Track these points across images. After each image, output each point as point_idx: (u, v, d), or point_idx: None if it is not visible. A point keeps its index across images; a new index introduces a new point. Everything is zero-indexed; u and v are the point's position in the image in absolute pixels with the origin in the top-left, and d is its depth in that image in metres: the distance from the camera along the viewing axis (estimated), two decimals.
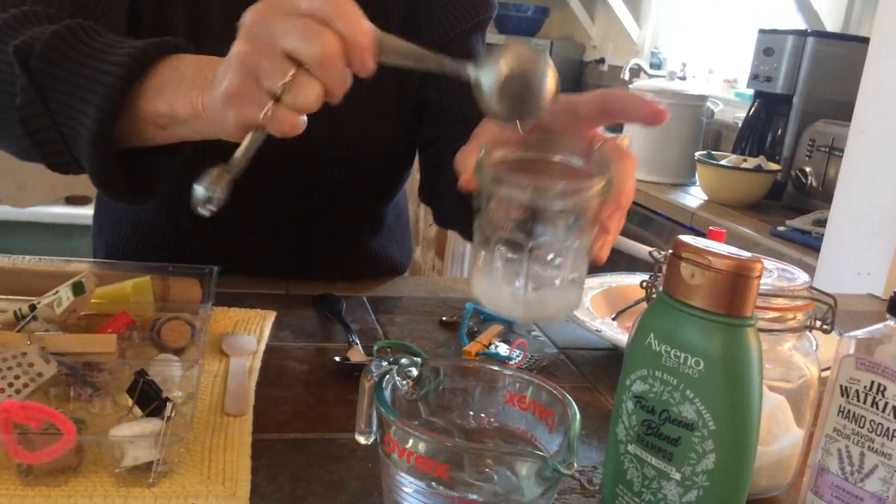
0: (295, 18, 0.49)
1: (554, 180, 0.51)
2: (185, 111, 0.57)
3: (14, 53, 0.63)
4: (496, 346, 0.81)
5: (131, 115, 0.60)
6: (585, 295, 0.90)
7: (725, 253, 0.46)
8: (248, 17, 0.50)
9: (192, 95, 0.57)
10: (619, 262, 2.01)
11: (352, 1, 0.50)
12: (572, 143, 0.56)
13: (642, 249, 1.92)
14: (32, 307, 0.64)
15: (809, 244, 1.48)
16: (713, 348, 0.46)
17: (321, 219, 1.00)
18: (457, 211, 0.83)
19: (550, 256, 0.53)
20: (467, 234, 0.87)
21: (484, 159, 0.53)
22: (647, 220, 1.95)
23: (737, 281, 0.46)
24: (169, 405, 0.55)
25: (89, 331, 0.67)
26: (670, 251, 0.49)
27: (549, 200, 0.51)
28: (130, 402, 0.57)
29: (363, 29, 0.50)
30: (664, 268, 0.51)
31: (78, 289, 0.64)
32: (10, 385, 0.56)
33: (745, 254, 0.47)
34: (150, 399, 0.56)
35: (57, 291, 0.66)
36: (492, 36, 3.71)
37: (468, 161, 0.56)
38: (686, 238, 0.49)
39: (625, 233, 2.04)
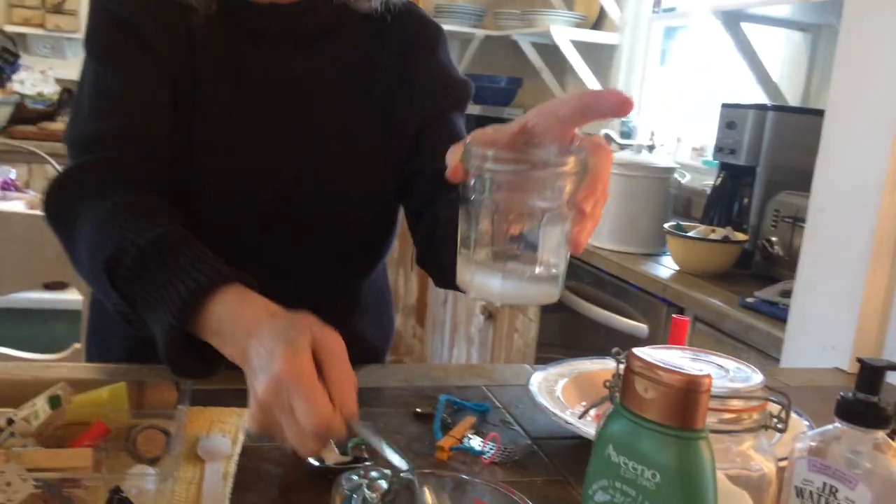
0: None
1: (532, 154, 0.57)
2: (231, 355, 0.71)
3: (104, 268, 0.78)
4: (469, 440, 0.83)
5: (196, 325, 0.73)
6: (556, 383, 0.92)
7: (676, 368, 0.49)
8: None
9: (235, 353, 0.70)
10: (598, 332, 2.04)
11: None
12: (555, 144, 0.61)
13: (621, 322, 1.95)
14: (10, 421, 0.65)
15: (777, 315, 1.52)
16: (668, 461, 0.48)
17: (298, 294, 1.01)
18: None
19: (532, 241, 0.57)
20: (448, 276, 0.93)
21: (470, 145, 0.57)
22: (622, 290, 1.98)
23: (687, 396, 0.48)
24: None
25: (65, 441, 0.68)
26: (624, 363, 0.52)
27: (528, 171, 0.55)
28: None
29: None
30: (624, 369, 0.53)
31: (55, 402, 0.65)
32: None
33: (699, 366, 0.50)
34: None
35: (34, 404, 0.67)
36: (468, 107, 3.79)
37: (456, 155, 0.60)
38: (640, 351, 0.51)
39: (600, 302, 2.07)
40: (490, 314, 2.77)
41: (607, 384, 0.68)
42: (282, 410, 0.62)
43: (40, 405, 0.66)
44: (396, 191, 1.04)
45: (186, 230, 0.81)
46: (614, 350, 0.69)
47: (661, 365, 0.49)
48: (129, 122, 0.91)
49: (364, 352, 1.10)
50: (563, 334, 2.35)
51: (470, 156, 0.57)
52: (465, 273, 0.59)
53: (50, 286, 1.81)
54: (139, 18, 0.93)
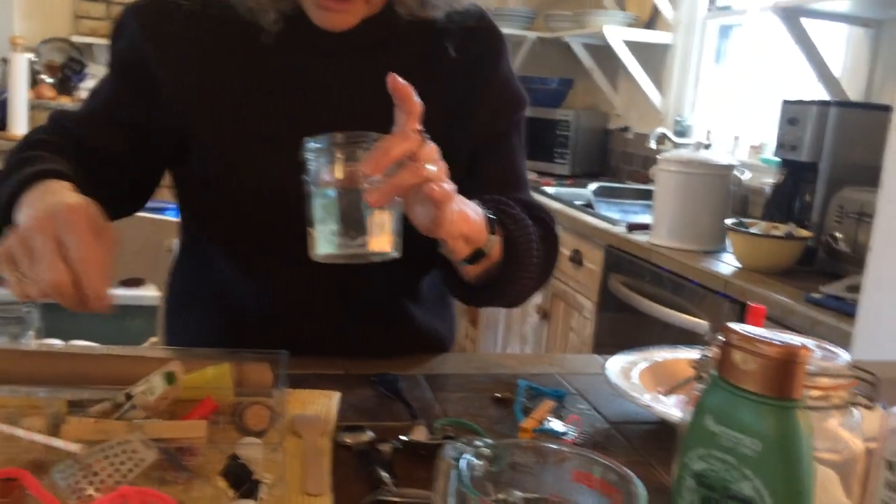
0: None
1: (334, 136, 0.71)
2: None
3: None
4: (550, 422, 0.86)
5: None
6: (632, 370, 0.95)
7: (774, 340, 0.51)
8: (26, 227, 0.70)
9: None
10: (654, 330, 2.04)
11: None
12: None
13: (682, 319, 1.95)
14: (128, 396, 0.70)
15: (845, 310, 1.51)
16: (767, 429, 0.50)
17: (360, 289, 1.04)
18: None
19: (336, 211, 0.71)
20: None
21: (307, 139, 0.72)
22: (680, 287, 1.99)
23: (785, 367, 0.50)
24: (260, 486, 0.60)
25: (176, 415, 0.73)
26: (721, 336, 0.54)
27: (328, 146, 0.71)
28: (224, 484, 0.62)
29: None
30: (714, 348, 0.56)
31: (170, 378, 0.70)
32: (117, 471, 0.61)
33: (792, 339, 0.52)
34: (242, 481, 0.61)
35: (149, 380, 0.71)
36: None
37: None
38: (736, 325, 0.53)
39: (659, 299, 2.07)
40: (545, 313, 2.79)
41: (694, 364, 0.70)
42: (21, 256, 0.68)
43: (156, 381, 0.71)
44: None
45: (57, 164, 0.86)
46: (704, 332, 0.71)
47: (760, 337, 0.51)
48: (95, 115, 0.98)
49: (428, 342, 1.12)
50: (618, 332, 2.35)
51: (302, 150, 0.72)
52: (309, 248, 0.74)
53: (126, 283, 1.89)
54: (151, 43, 0.96)
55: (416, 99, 0.75)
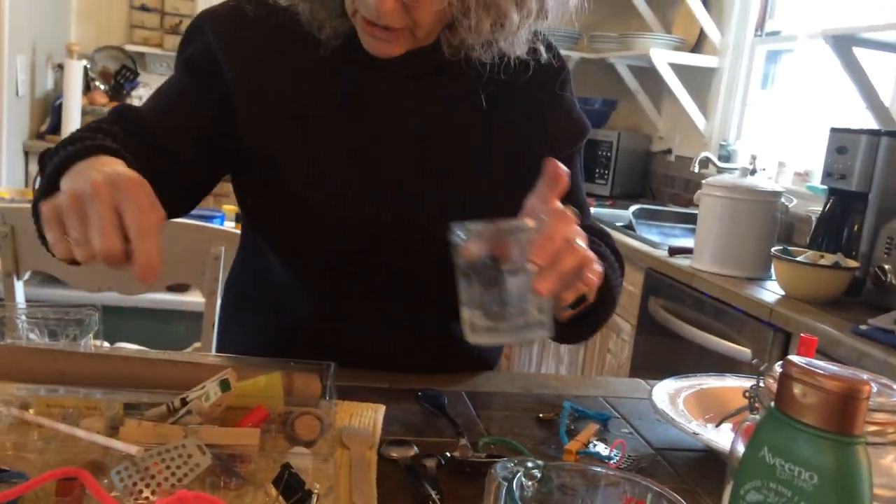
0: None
1: (499, 226, 0.71)
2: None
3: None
4: (595, 445, 0.85)
5: None
6: (678, 397, 0.94)
7: (836, 374, 0.50)
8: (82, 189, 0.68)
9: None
10: (692, 355, 2.02)
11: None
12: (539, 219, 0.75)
13: (723, 345, 1.93)
14: (184, 401, 0.72)
15: (892, 343, 1.49)
16: (826, 464, 0.50)
17: (412, 309, 1.05)
18: None
19: (505, 295, 0.71)
20: None
21: (454, 226, 0.72)
22: (722, 313, 1.97)
23: (847, 401, 0.50)
24: (313, 497, 0.61)
25: (228, 422, 0.74)
26: (780, 368, 0.54)
27: (492, 235, 0.71)
28: (275, 492, 0.63)
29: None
30: (766, 379, 0.55)
31: (225, 385, 0.71)
32: (173, 474, 0.62)
33: (854, 374, 0.51)
34: (294, 490, 0.62)
35: (204, 386, 0.73)
36: None
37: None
38: (795, 358, 0.53)
39: (700, 325, 2.05)
40: None
41: (747, 394, 0.69)
42: (74, 218, 0.67)
43: (210, 387, 0.72)
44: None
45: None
46: (754, 360, 0.71)
47: (821, 371, 0.51)
48: (159, 113, 0.97)
49: (475, 363, 1.13)
50: (656, 356, 2.33)
51: (456, 232, 0.72)
52: (465, 327, 0.73)
53: (173, 288, 1.92)
54: (224, 50, 0.97)
55: (567, 180, 0.77)
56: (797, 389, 0.51)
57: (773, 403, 0.54)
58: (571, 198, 1.06)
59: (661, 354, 2.29)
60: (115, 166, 0.75)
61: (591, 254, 0.75)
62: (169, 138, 0.96)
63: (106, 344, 1.65)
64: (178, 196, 1.02)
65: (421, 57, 0.97)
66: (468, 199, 1.01)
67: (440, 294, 1.06)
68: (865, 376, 0.66)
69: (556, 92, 1.05)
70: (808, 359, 0.54)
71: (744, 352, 1.84)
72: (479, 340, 0.73)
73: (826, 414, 0.50)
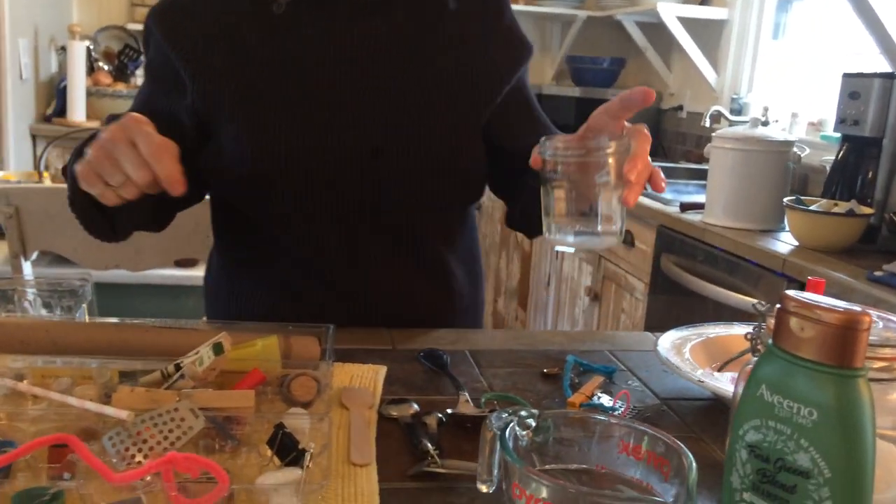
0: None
1: (586, 145, 0.78)
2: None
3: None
4: (599, 398, 0.84)
5: None
6: (684, 346, 0.92)
7: (834, 306, 0.49)
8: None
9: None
10: (707, 312, 2.00)
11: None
12: (611, 134, 0.83)
13: (736, 298, 1.91)
14: (178, 367, 0.71)
15: None
16: (826, 399, 0.48)
17: (395, 244, 1.07)
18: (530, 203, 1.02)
19: (594, 205, 0.78)
20: (533, 229, 1.09)
21: (544, 140, 0.79)
22: (736, 266, 1.94)
23: (847, 334, 0.48)
24: (306, 455, 0.60)
25: (224, 387, 0.74)
26: (778, 305, 0.52)
27: (585, 156, 0.78)
28: (270, 452, 0.62)
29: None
30: (768, 320, 0.53)
31: (218, 349, 0.71)
32: (166, 438, 0.62)
33: (853, 306, 0.50)
34: (288, 450, 0.61)
35: (198, 351, 0.72)
36: (569, 89, 3.78)
37: (534, 149, 0.82)
38: (793, 293, 0.51)
39: (713, 279, 2.03)
40: (595, 295, 2.76)
41: (748, 336, 0.68)
42: (107, 165, 0.76)
43: (204, 352, 0.71)
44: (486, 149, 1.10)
45: None
46: (756, 302, 0.69)
47: (819, 304, 0.49)
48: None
49: (456, 294, 1.14)
50: (671, 314, 2.31)
51: (545, 148, 0.79)
52: (549, 234, 0.81)
53: (180, 263, 1.92)
54: (167, 38, 1.01)
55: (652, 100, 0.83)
56: (795, 324, 0.50)
57: (770, 340, 0.52)
58: (538, 113, 1.15)
59: (676, 312, 2.27)
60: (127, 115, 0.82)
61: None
62: None
63: (114, 320, 1.66)
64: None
65: None
66: (422, 127, 1.03)
67: (429, 224, 1.06)
68: (873, 312, 0.64)
69: (497, 14, 1.10)
70: (806, 293, 0.52)
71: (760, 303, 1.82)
72: (566, 247, 0.82)
73: (825, 347, 0.48)
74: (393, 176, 1.02)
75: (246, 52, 1.01)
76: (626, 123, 0.84)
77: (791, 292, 0.51)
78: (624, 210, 0.79)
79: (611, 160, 0.77)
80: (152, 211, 1.00)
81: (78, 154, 0.89)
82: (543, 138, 0.80)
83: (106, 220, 0.96)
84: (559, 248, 0.82)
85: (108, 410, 0.62)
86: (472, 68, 1.07)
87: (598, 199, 0.78)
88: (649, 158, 0.79)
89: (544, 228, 0.81)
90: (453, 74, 1.06)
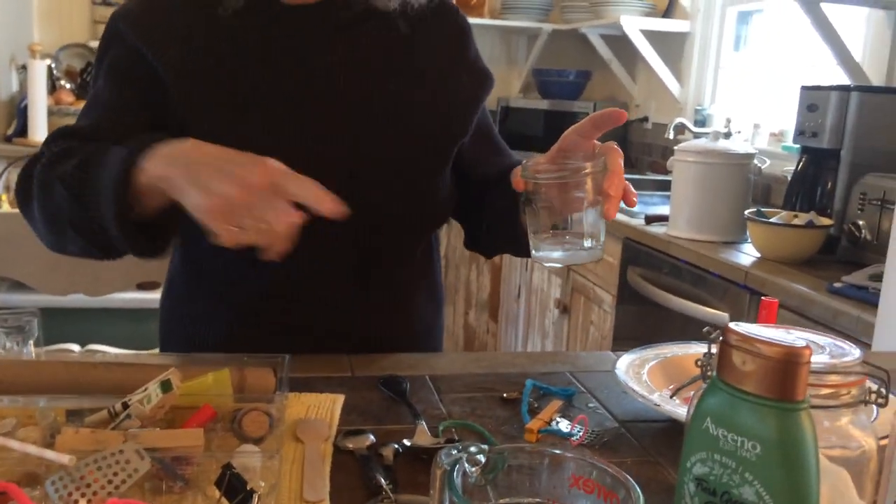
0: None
1: (565, 167, 0.83)
2: (171, 177, 0.81)
3: (59, 180, 0.88)
4: (557, 423, 0.84)
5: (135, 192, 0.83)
6: (642, 368, 0.93)
7: (774, 340, 0.49)
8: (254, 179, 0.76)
9: (178, 174, 0.81)
10: (674, 323, 2.01)
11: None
12: (583, 153, 0.88)
13: (702, 311, 1.92)
14: (125, 405, 0.70)
15: (867, 300, 1.48)
16: (768, 432, 0.48)
17: (365, 261, 1.06)
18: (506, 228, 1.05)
19: (577, 222, 0.83)
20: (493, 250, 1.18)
21: (525, 165, 0.84)
22: (700, 279, 1.95)
23: (787, 367, 0.48)
24: (254, 496, 0.59)
25: (174, 423, 0.72)
26: (720, 336, 0.52)
27: (567, 176, 0.82)
28: (218, 494, 0.61)
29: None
30: (717, 346, 0.53)
31: (166, 386, 0.69)
32: (110, 482, 0.60)
33: (796, 338, 0.50)
34: (236, 491, 0.60)
35: (146, 389, 0.71)
36: (536, 101, 3.79)
37: (516, 173, 0.87)
38: (736, 325, 0.51)
39: (678, 291, 2.04)
40: (565, 307, 2.77)
41: (699, 363, 0.68)
42: (244, 207, 0.75)
43: (152, 389, 0.70)
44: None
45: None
46: (706, 328, 0.69)
47: (759, 337, 0.49)
48: (102, 123, 0.98)
49: (416, 319, 1.14)
50: (639, 326, 2.32)
51: (528, 172, 0.83)
52: (536, 252, 0.85)
53: (143, 286, 1.89)
54: (143, 40, 0.98)
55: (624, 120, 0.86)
56: (737, 357, 0.50)
57: (714, 372, 0.52)
58: (495, 142, 1.18)
59: (643, 324, 2.28)
60: (216, 147, 0.82)
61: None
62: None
63: (76, 346, 1.63)
64: None
65: (326, 15, 1.01)
66: (402, 153, 1.04)
67: (388, 245, 1.06)
68: (824, 339, 0.65)
69: (463, 44, 1.12)
70: (749, 325, 0.52)
71: (723, 317, 1.83)
72: (553, 263, 0.85)
73: (766, 381, 0.48)
74: (366, 199, 1.01)
75: (225, 66, 0.99)
76: (596, 142, 0.88)
77: (733, 325, 0.51)
78: (604, 224, 0.84)
79: (589, 179, 0.82)
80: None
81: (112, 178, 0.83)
82: (524, 161, 0.85)
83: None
84: (548, 264, 0.88)
85: (50, 455, 0.61)
86: (448, 100, 1.07)
87: (580, 216, 0.83)
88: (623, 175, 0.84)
89: (531, 247, 0.85)
90: (430, 105, 1.06)
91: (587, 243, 0.83)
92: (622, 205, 0.84)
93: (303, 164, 0.99)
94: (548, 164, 0.85)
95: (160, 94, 0.98)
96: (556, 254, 0.84)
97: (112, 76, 1.00)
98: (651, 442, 0.83)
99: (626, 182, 0.84)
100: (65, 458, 0.59)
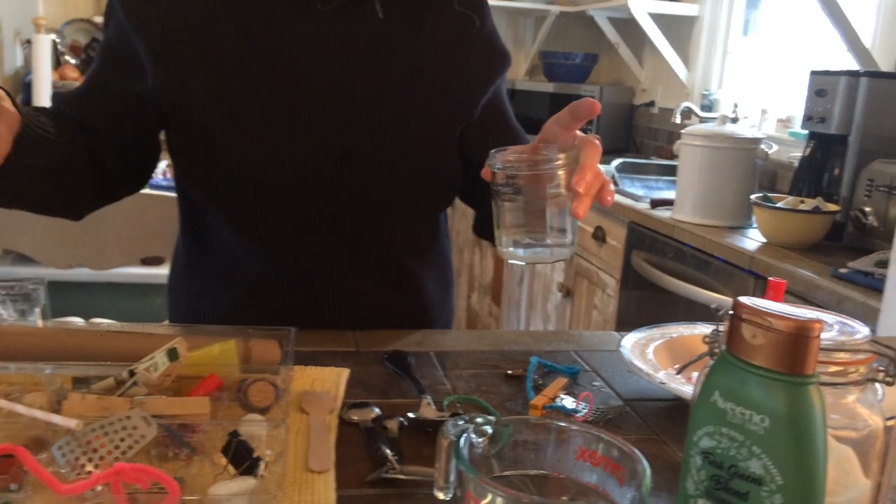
0: None
1: (534, 157, 0.77)
2: None
3: None
4: (562, 399, 0.84)
5: None
6: (647, 347, 0.93)
7: (785, 314, 0.49)
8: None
9: None
10: (679, 307, 2.01)
11: None
12: (562, 145, 0.82)
13: (706, 295, 1.92)
14: (131, 373, 0.70)
15: (872, 286, 1.47)
16: (777, 406, 0.48)
17: (362, 248, 1.06)
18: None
19: (543, 218, 0.77)
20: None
21: (493, 154, 0.77)
22: (705, 263, 1.95)
23: (797, 341, 0.48)
24: (261, 464, 0.59)
25: (181, 393, 0.72)
26: (731, 311, 0.52)
27: (532, 165, 0.76)
28: (224, 461, 0.61)
29: None
30: (726, 323, 0.53)
31: (173, 355, 0.69)
32: (117, 447, 0.60)
33: (805, 313, 0.50)
34: (243, 458, 0.60)
35: (153, 357, 0.71)
36: (542, 84, 3.78)
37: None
38: (746, 299, 0.51)
39: (682, 276, 2.04)
40: (568, 291, 2.77)
41: (706, 339, 0.68)
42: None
43: (159, 357, 0.70)
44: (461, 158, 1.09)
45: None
46: (714, 305, 0.69)
47: (770, 311, 0.49)
48: (82, 95, 1.01)
49: (425, 305, 1.14)
50: (642, 310, 2.32)
51: (494, 161, 0.77)
52: (500, 247, 0.80)
53: (147, 261, 1.89)
54: (130, 17, 0.97)
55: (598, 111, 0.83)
56: (746, 331, 0.50)
57: (723, 347, 0.52)
58: (510, 126, 1.14)
59: (648, 308, 2.28)
60: None
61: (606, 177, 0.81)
62: (98, 116, 1.00)
63: (79, 320, 1.63)
64: (126, 173, 1.04)
65: None
66: (394, 134, 1.02)
67: (391, 232, 1.06)
68: (830, 316, 0.64)
69: (481, 23, 1.08)
70: (758, 299, 0.52)
71: (727, 302, 1.83)
72: (517, 260, 0.80)
73: (776, 355, 0.48)
74: (362, 182, 1.01)
75: (215, 47, 0.97)
76: (578, 133, 0.83)
77: (744, 299, 0.51)
78: (575, 223, 0.78)
79: (561, 172, 0.76)
80: (54, 186, 0.94)
81: None
82: (493, 150, 0.78)
83: None
84: (511, 261, 0.80)
85: (56, 419, 0.61)
86: (451, 80, 1.04)
87: (548, 211, 0.77)
88: (600, 168, 0.79)
89: (496, 241, 0.80)
90: (431, 85, 1.03)
91: (552, 241, 0.77)
92: (625, 189, 0.82)
93: (293, 149, 0.99)
94: (517, 154, 0.78)
95: (141, 75, 0.99)
96: (520, 251, 0.79)
97: (104, 56, 1.03)
98: (655, 420, 0.83)
99: (605, 179, 0.79)
100: (72, 423, 0.60)
